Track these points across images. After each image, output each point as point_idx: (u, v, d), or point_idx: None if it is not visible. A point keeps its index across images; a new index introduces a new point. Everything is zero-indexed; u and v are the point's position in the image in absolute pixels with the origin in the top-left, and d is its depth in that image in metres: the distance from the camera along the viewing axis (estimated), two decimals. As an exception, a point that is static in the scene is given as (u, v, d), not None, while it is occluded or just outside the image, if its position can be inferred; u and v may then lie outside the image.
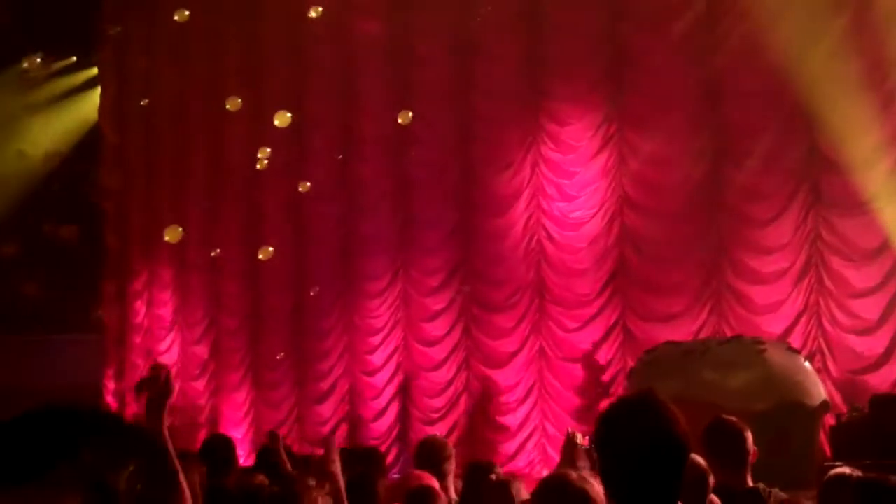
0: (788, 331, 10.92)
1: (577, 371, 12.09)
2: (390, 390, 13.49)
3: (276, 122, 11.56)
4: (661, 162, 11.77)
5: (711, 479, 3.79)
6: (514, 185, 12.72)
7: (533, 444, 12.30)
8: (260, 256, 12.16)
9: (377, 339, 13.67)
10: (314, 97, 14.17)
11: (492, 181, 12.80)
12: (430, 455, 5.38)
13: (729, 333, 10.87)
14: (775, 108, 11.11)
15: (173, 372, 14.61)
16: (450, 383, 12.96)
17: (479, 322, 12.87)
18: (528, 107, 12.66)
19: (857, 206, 10.72)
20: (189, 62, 14.91)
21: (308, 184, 12.30)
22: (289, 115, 11.52)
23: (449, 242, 13.14)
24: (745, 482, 4.20)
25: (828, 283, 10.95)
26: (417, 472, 5.17)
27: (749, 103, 11.28)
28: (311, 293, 13.51)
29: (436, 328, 13.17)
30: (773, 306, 11.11)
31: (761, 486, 4.26)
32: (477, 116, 12.98)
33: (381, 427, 13.42)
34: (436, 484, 4.91)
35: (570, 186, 12.42)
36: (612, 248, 12.04)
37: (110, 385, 16.23)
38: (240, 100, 11.95)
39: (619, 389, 11.15)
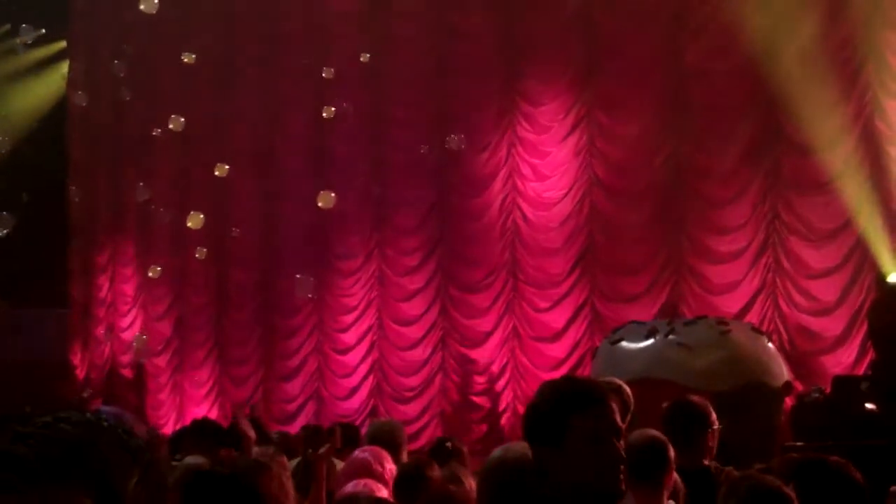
0: (745, 310, 11.06)
1: (548, 350, 12.22)
2: (363, 369, 13.53)
3: (190, 224, 11.55)
4: (627, 143, 11.90)
5: (672, 452, 3.87)
6: (491, 166, 12.78)
7: (504, 422, 12.40)
8: (189, 224, 12.02)
9: (350, 317, 13.70)
10: (287, 76, 14.09)
11: (468, 162, 12.84)
12: (381, 440, 5.29)
13: (687, 313, 10.97)
14: (738, 89, 11.21)
15: (134, 347, 14.34)
16: (425, 362, 13.03)
17: (455, 302, 12.95)
18: (504, 87, 12.71)
19: (816, 186, 10.82)
20: (159, 36, 14.74)
21: (226, 167, 12.18)
22: (201, 216, 11.51)
23: (426, 223, 13.18)
24: (699, 462, 4.27)
25: (785, 263, 11.08)
26: (368, 451, 5.01)
27: (712, 84, 11.39)
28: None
29: (412, 308, 13.23)
30: (730, 286, 11.25)
31: (713, 464, 4.32)
32: (453, 97, 13.01)
33: (352, 405, 13.48)
34: (389, 461, 4.83)
35: (543, 166, 12.51)
36: (582, 228, 12.16)
37: (76, 360, 16.12)
38: (227, 167, 11.86)
39: (586, 369, 11.25)
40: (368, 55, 12.20)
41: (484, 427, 12.46)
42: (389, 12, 13.33)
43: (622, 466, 2.38)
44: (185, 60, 11.81)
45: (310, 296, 11.08)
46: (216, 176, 12.80)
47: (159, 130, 12.11)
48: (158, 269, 13.47)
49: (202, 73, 14.37)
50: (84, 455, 1.20)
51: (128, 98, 12.60)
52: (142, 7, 10.34)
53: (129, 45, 13.98)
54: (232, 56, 14.43)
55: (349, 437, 6.80)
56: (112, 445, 1.23)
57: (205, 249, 12.66)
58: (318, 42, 13.78)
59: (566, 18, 12.26)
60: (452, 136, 11.53)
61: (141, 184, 12.78)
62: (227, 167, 11.93)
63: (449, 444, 6.03)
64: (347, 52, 13.05)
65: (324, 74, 11.95)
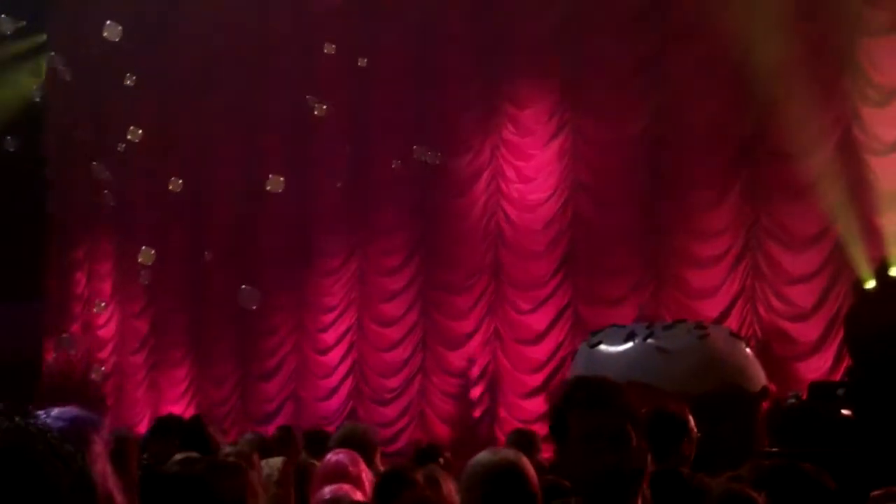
0: (724, 315, 11.11)
1: (529, 353, 12.21)
2: (342, 369, 13.48)
3: (140, 260, 11.49)
4: (611, 147, 11.96)
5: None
6: (475, 167, 12.79)
7: (484, 424, 12.38)
8: (140, 260, 11.94)
9: (330, 317, 13.64)
10: (271, 74, 14.04)
11: (452, 162, 12.80)
12: (353, 443, 5.23)
13: (668, 317, 10.99)
14: (720, 96, 11.27)
15: (110, 347, 14.22)
16: (405, 363, 12.99)
17: (436, 303, 12.92)
18: (489, 89, 12.71)
19: (795, 193, 10.88)
20: (141, 32, 14.64)
21: (180, 181, 12.03)
22: (152, 251, 11.43)
23: (408, 223, 13.14)
24: (674, 470, 4.26)
25: (764, 268, 11.13)
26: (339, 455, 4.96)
27: (695, 91, 11.45)
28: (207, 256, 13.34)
29: (393, 308, 13.18)
30: (710, 290, 11.29)
31: (685, 471, 4.32)
32: (438, 97, 13.00)
33: (330, 406, 13.43)
34: (361, 464, 4.80)
35: (527, 169, 12.53)
36: (565, 231, 12.19)
37: (49, 356, 15.98)
38: (181, 181, 11.70)
39: (567, 372, 11.26)
40: (366, 60, 12.12)
41: (464, 429, 12.44)
42: (375, 13, 13.32)
43: (617, 471, 2.34)
44: (128, 83, 11.65)
45: (254, 307, 10.96)
46: (195, 173, 12.72)
47: (123, 145, 11.97)
48: (103, 304, 13.42)
49: (184, 70, 14.30)
50: (13, 461, 1.19)
51: (68, 78, 12.42)
52: (105, 34, 10.25)
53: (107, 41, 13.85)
54: (214, 54, 14.35)
55: (318, 442, 6.76)
56: (42, 451, 1.22)
57: (147, 275, 12.42)
58: (303, 42, 13.75)
59: (552, 22, 12.29)
60: (417, 148, 11.49)
61: (94, 163, 12.55)
62: (180, 181, 11.77)
63: (431, 448, 6.02)
64: (333, 52, 13.04)
65: (325, 50, 11.86)
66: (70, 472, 1.23)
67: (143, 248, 11.51)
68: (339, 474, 4.53)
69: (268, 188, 10.78)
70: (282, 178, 10.84)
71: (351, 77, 13.22)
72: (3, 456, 1.19)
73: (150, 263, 11.54)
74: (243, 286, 10.45)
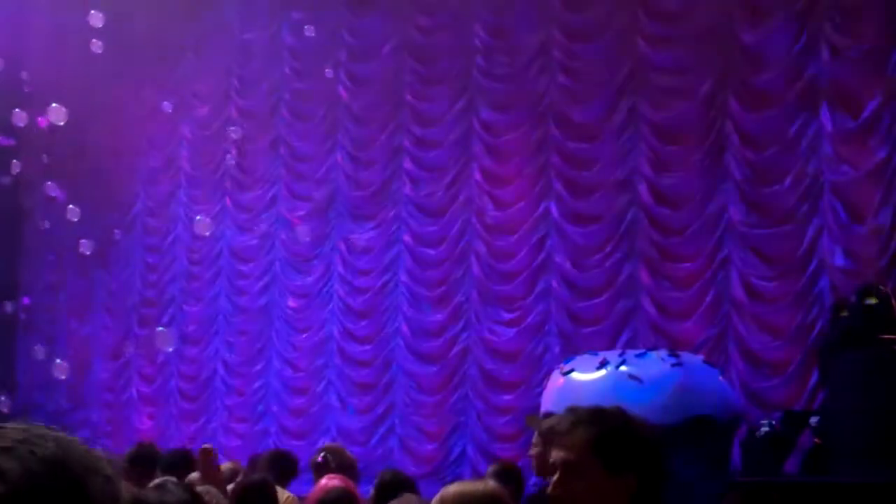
0: (702, 342, 11.07)
1: (503, 375, 12.17)
2: (316, 388, 13.38)
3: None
4: (589, 172, 12.00)
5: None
6: (450, 194, 12.76)
7: (454, 446, 12.31)
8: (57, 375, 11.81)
9: (304, 336, 13.55)
10: (252, 95, 14.08)
11: (427, 186, 12.81)
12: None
13: (643, 344, 10.98)
14: (698, 118, 11.35)
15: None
16: (377, 381, 12.91)
17: (410, 322, 12.84)
18: (464, 114, 12.73)
19: (774, 218, 10.93)
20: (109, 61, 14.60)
21: (207, 220, 11.91)
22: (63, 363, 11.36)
23: (382, 245, 13.09)
24: None
25: (741, 295, 11.12)
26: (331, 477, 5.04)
27: (672, 115, 11.53)
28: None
29: (366, 327, 13.09)
30: (687, 316, 11.29)
31: None
32: (412, 121, 13.00)
33: (304, 425, 13.31)
34: (351, 486, 4.81)
35: (503, 194, 12.53)
36: (542, 254, 12.16)
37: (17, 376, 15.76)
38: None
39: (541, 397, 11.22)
40: (331, 71, 12.14)
41: (434, 449, 12.36)
42: (350, 45, 13.42)
43: None
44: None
45: (170, 349, 10.87)
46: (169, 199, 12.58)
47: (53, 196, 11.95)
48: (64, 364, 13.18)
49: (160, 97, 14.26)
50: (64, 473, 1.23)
51: None
52: (50, 118, 10.29)
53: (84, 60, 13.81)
54: (197, 79, 14.36)
55: (287, 467, 6.68)
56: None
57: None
58: (277, 62, 13.76)
59: (531, 49, 12.36)
60: (354, 236, 11.46)
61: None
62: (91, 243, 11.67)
63: (395, 476, 5.97)
64: (310, 74, 13.12)
65: (307, 33, 11.86)
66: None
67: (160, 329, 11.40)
68: (344, 499, 4.56)
69: (157, 343, 10.74)
70: (209, 220, 10.86)
71: (325, 100, 13.25)
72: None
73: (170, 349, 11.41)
74: (159, 328, 10.41)
